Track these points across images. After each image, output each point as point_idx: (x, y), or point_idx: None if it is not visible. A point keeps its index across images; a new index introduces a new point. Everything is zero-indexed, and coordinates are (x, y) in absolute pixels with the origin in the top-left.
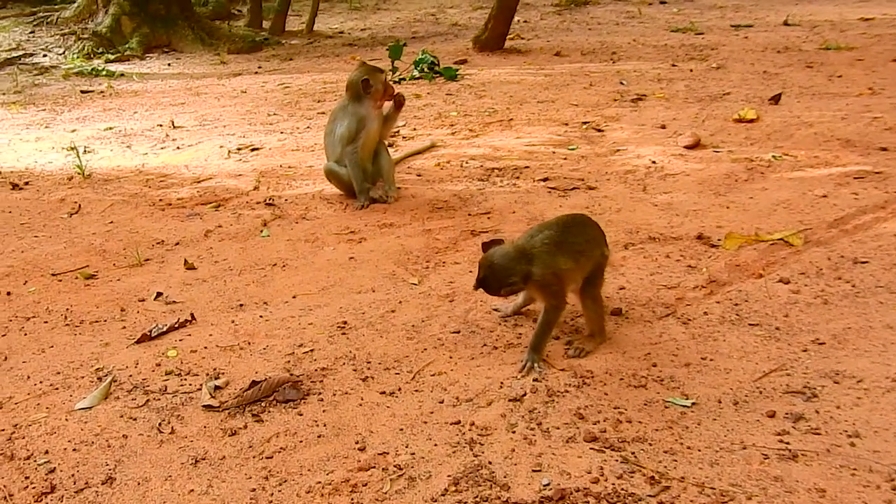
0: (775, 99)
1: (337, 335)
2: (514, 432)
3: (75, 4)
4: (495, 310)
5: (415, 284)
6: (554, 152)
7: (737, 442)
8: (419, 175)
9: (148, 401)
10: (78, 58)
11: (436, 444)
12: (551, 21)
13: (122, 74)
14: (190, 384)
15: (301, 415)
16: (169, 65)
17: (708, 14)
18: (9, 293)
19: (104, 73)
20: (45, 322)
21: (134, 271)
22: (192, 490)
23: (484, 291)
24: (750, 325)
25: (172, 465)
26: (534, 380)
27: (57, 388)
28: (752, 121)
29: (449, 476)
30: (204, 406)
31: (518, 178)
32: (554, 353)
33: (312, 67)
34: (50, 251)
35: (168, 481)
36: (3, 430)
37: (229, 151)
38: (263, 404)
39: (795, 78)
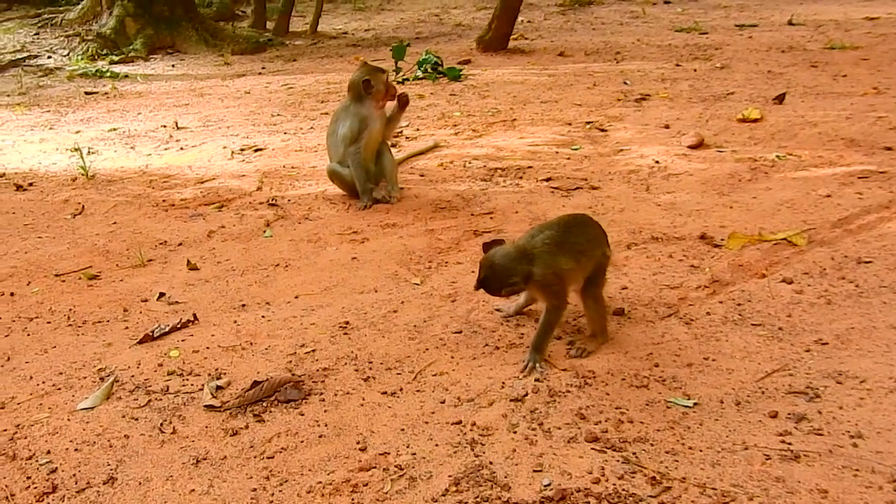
0: (779, 98)
1: (339, 335)
2: (515, 432)
3: (80, 6)
4: (497, 310)
5: (417, 284)
6: (557, 152)
7: (739, 442)
8: (422, 175)
9: (150, 401)
10: (82, 59)
11: (437, 445)
12: (555, 21)
13: (127, 76)
14: (192, 384)
15: (302, 415)
16: (173, 66)
17: (712, 14)
18: (12, 294)
19: (108, 74)
20: (48, 322)
21: (137, 272)
22: (194, 490)
23: (485, 292)
24: (753, 325)
25: (174, 465)
26: (535, 380)
27: (59, 389)
28: (755, 120)
29: (450, 476)
30: (205, 406)
31: (521, 178)
32: (556, 353)
33: (316, 68)
34: (53, 252)
35: (169, 481)
36: (5, 430)
37: (233, 152)
38: (265, 404)
39: (800, 77)
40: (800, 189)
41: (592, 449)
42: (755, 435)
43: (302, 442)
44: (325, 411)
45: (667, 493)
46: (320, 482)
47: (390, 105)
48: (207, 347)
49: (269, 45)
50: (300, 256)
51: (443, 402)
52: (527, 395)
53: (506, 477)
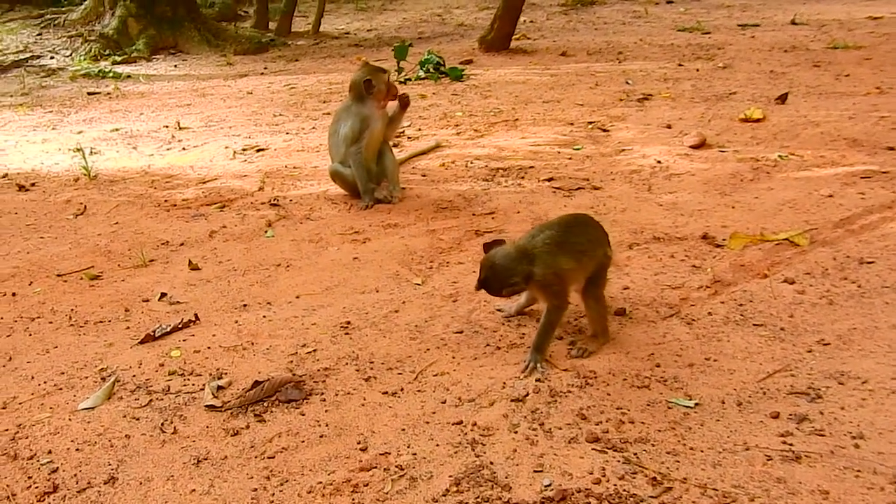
0: (782, 98)
1: (340, 335)
2: (516, 433)
3: (82, 7)
4: (499, 310)
5: (418, 284)
6: (559, 152)
7: (740, 443)
8: (424, 175)
9: (151, 401)
10: (85, 60)
11: (437, 445)
12: (557, 21)
13: (129, 76)
14: (193, 384)
15: (303, 415)
16: (175, 66)
17: (715, 13)
18: (14, 294)
19: (111, 74)
20: (50, 322)
21: (139, 272)
22: (194, 490)
23: (486, 292)
24: (754, 325)
25: (174, 464)
26: (536, 380)
27: (61, 388)
28: (758, 120)
29: (450, 476)
30: (206, 406)
31: (523, 178)
32: (557, 353)
33: (318, 68)
34: (55, 252)
35: (170, 481)
36: (7, 429)
37: (235, 152)
38: (266, 404)
39: (802, 77)
40: (802, 189)
41: (593, 449)
42: (756, 435)
43: (303, 442)
44: (325, 411)
45: (668, 494)
46: (321, 482)
47: (392, 105)
48: (209, 347)
49: (271, 46)
50: (301, 256)
51: (444, 402)
52: (528, 395)
53: (506, 477)
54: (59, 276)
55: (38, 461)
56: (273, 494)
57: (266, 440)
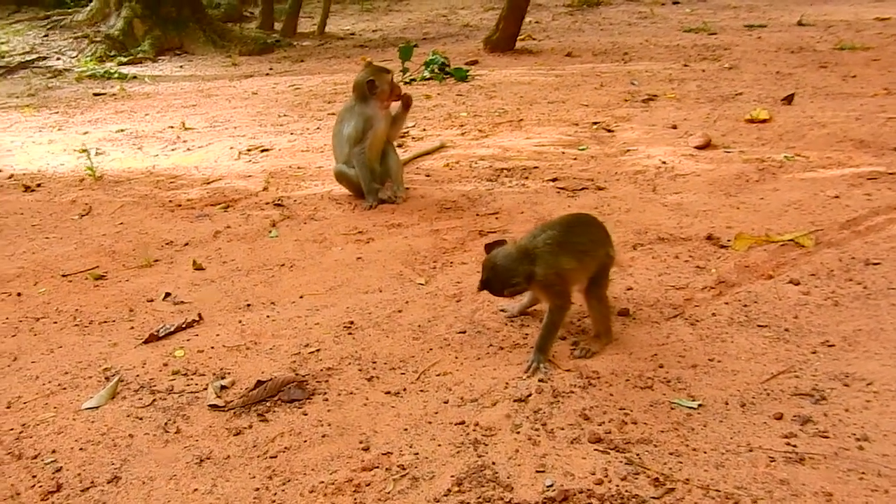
0: (788, 99)
1: (343, 335)
2: (518, 433)
3: (88, 8)
4: (502, 310)
5: (422, 285)
6: (563, 153)
7: (743, 444)
8: (428, 175)
9: (154, 400)
10: (91, 61)
11: (440, 445)
12: (563, 21)
13: (135, 77)
14: (196, 384)
15: (306, 414)
16: (181, 67)
17: (721, 14)
18: (19, 294)
19: (116, 75)
20: (55, 322)
21: (143, 272)
22: (197, 489)
23: (488, 293)
24: (759, 326)
25: (177, 464)
26: (539, 380)
27: (65, 388)
28: (764, 121)
29: (452, 476)
30: (210, 406)
31: (527, 178)
32: (560, 353)
33: (323, 69)
34: (60, 252)
35: (173, 480)
36: (11, 429)
37: (239, 153)
38: (268, 404)
39: (809, 78)
40: (808, 190)
41: (596, 450)
42: (760, 437)
43: (305, 441)
44: (328, 411)
45: (670, 495)
46: (323, 482)
47: (395, 106)
48: (212, 347)
49: (276, 46)
50: (305, 256)
51: (446, 402)
52: (530, 395)
53: (508, 477)
54: (63, 276)
55: (42, 460)
56: (275, 494)
57: (269, 440)
